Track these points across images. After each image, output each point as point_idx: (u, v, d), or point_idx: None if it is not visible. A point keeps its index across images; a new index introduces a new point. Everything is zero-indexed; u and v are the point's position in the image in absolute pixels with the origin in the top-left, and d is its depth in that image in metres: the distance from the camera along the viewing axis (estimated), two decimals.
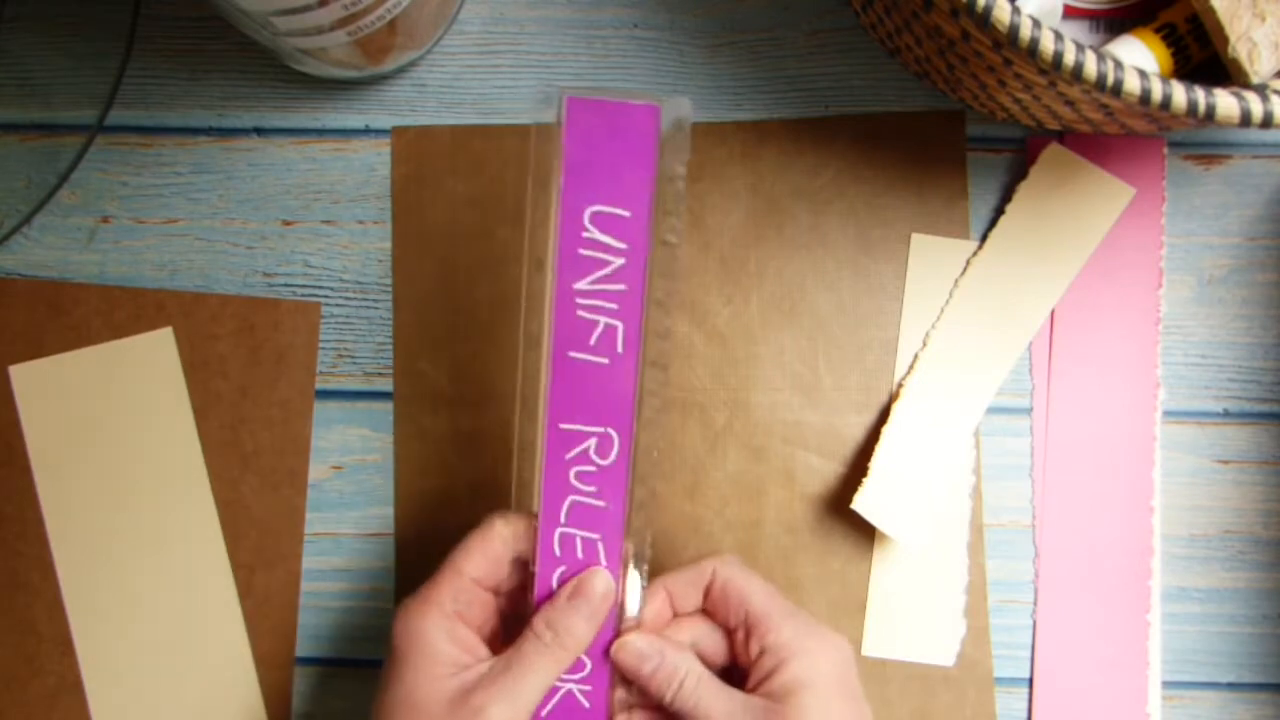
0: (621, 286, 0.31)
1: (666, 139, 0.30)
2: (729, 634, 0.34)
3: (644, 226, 0.30)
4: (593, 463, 0.32)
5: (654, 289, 0.31)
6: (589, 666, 0.33)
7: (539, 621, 0.32)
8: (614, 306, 0.31)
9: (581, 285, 0.31)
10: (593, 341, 0.31)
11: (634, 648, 0.33)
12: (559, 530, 0.33)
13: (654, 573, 0.34)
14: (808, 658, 0.32)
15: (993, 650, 0.41)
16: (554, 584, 0.33)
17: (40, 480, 0.42)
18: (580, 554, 0.33)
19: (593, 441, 0.32)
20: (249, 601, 0.42)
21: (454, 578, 0.32)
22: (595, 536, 0.33)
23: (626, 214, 0.30)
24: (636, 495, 0.33)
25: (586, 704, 0.34)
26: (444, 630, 0.31)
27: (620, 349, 0.31)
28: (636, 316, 0.31)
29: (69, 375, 0.42)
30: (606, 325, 0.31)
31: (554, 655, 0.32)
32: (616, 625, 0.33)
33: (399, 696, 0.31)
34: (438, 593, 0.32)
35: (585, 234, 0.30)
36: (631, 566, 0.33)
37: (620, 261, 0.31)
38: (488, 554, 0.33)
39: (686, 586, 0.34)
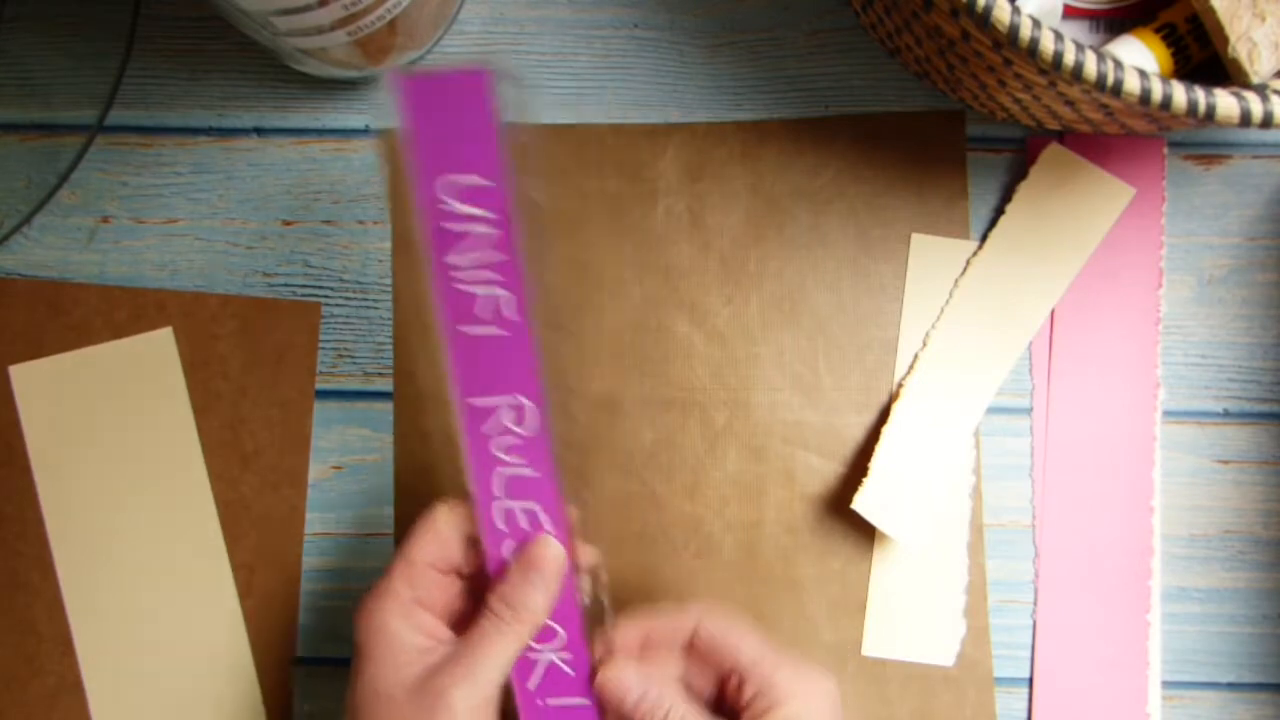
0: (499, 256, 0.31)
1: (505, 101, 0.30)
2: (717, 676, 0.34)
3: (505, 191, 0.30)
4: (513, 434, 0.32)
5: (531, 249, 0.31)
6: (562, 634, 0.33)
7: (494, 599, 0.32)
8: (496, 276, 0.31)
9: (455, 259, 0.31)
10: (479, 312, 0.31)
11: (617, 681, 0.33)
12: (496, 504, 0.33)
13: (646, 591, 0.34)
14: (800, 701, 0.32)
15: (993, 650, 0.41)
16: (505, 557, 0.33)
17: (40, 480, 0.42)
18: (525, 525, 0.33)
19: (507, 412, 0.32)
20: (249, 601, 0.42)
21: (405, 566, 0.32)
22: (534, 506, 0.33)
23: (487, 182, 0.30)
24: (566, 460, 0.33)
25: (570, 671, 0.34)
26: (402, 618, 0.32)
27: (513, 316, 0.31)
28: (520, 282, 0.31)
29: (69, 375, 0.42)
30: (491, 295, 0.31)
31: (513, 631, 0.32)
32: (576, 590, 0.33)
33: (365, 689, 0.31)
34: (391, 583, 0.32)
35: (444, 206, 0.31)
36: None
37: (491, 231, 0.31)
38: (434, 538, 0.33)
39: (668, 630, 0.34)
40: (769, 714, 0.32)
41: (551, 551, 0.33)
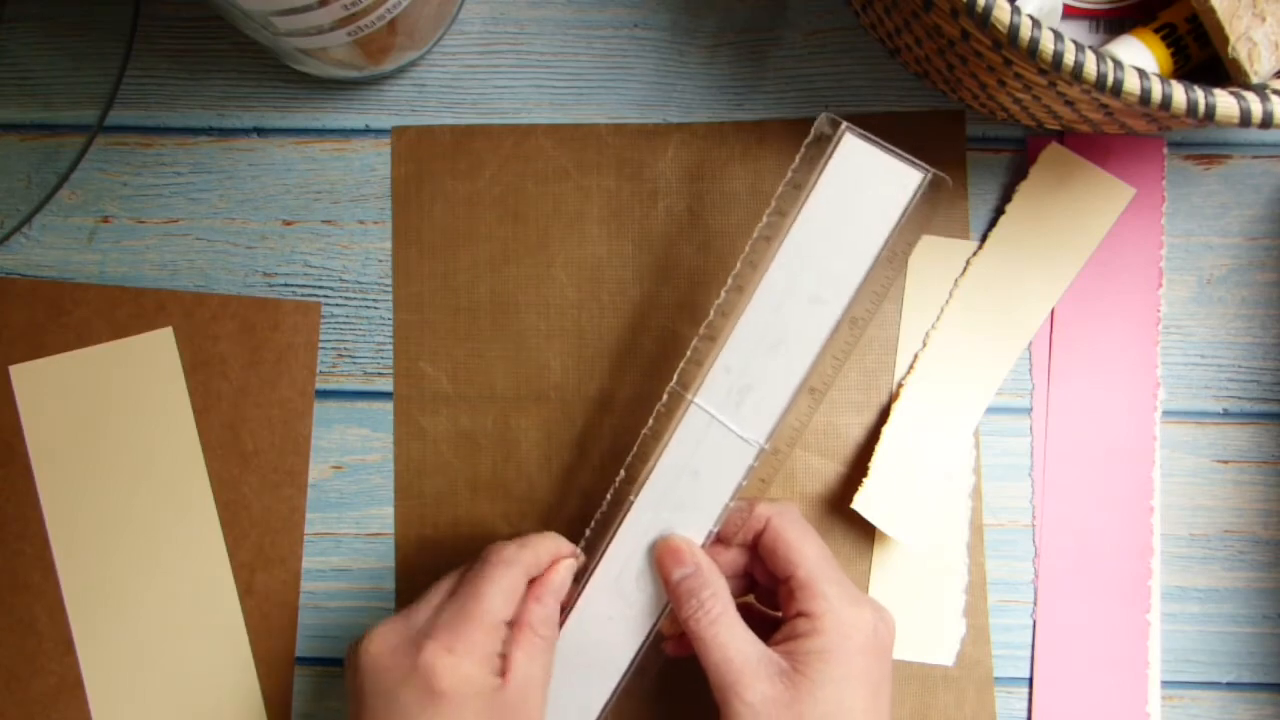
0: None
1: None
2: (772, 579, 0.35)
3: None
4: None
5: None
6: None
7: (539, 623, 0.34)
8: None
9: None
10: None
11: (673, 547, 0.33)
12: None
13: None
14: (839, 633, 0.32)
15: (993, 650, 0.41)
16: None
17: (41, 480, 0.42)
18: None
19: None
20: (249, 601, 0.42)
21: (492, 628, 0.32)
22: None
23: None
24: None
25: None
26: (487, 669, 0.32)
27: None
28: None
29: (69, 375, 0.42)
30: None
31: (553, 645, 0.34)
32: None
33: None
34: (479, 640, 0.32)
35: None
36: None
37: None
38: (512, 593, 0.33)
39: (737, 524, 0.35)
40: (804, 639, 0.32)
41: (568, 574, 0.35)
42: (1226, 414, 0.42)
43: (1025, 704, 0.41)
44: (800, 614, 0.33)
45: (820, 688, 0.31)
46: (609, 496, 0.36)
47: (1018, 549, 0.41)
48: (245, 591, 0.42)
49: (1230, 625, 0.41)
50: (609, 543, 0.35)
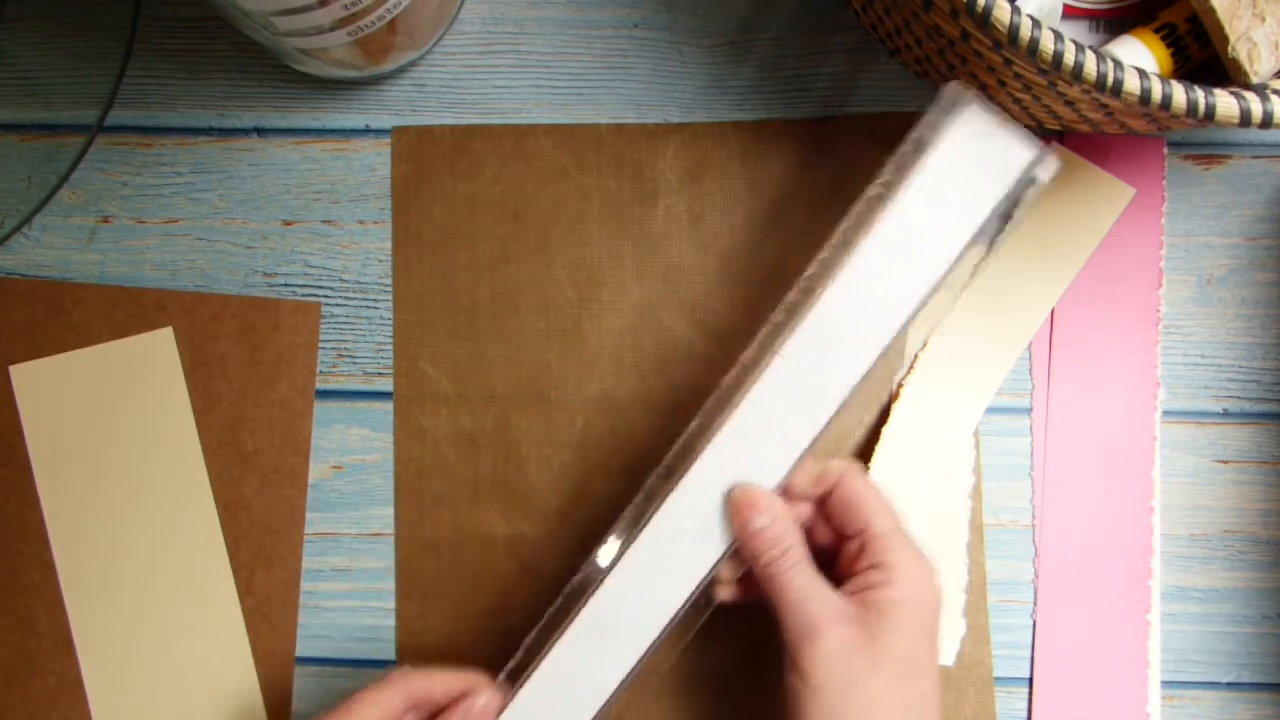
0: None
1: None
2: (839, 536, 0.35)
3: None
4: None
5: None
6: None
7: None
8: None
9: None
10: None
11: (752, 496, 0.34)
12: None
13: None
14: (913, 585, 0.33)
15: (993, 650, 0.41)
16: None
17: (40, 480, 0.42)
18: None
19: None
20: (249, 601, 0.42)
21: None
22: None
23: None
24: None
25: None
26: None
27: None
28: None
29: (69, 375, 0.42)
30: None
31: None
32: None
33: None
34: None
35: None
36: None
37: None
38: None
39: (807, 480, 0.35)
40: (878, 589, 0.33)
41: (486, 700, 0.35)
42: (1226, 414, 0.42)
43: (1025, 704, 0.41)
44: (874, 566, 0.33)
45: (893, 633, 0.32)
46: (677, 444, 0.35)
47: (1018, 549, 0.41)
48: (245, 591, 0.42)
49: (1230, 625, 0.41)
50: (673, 489, 0.35)
